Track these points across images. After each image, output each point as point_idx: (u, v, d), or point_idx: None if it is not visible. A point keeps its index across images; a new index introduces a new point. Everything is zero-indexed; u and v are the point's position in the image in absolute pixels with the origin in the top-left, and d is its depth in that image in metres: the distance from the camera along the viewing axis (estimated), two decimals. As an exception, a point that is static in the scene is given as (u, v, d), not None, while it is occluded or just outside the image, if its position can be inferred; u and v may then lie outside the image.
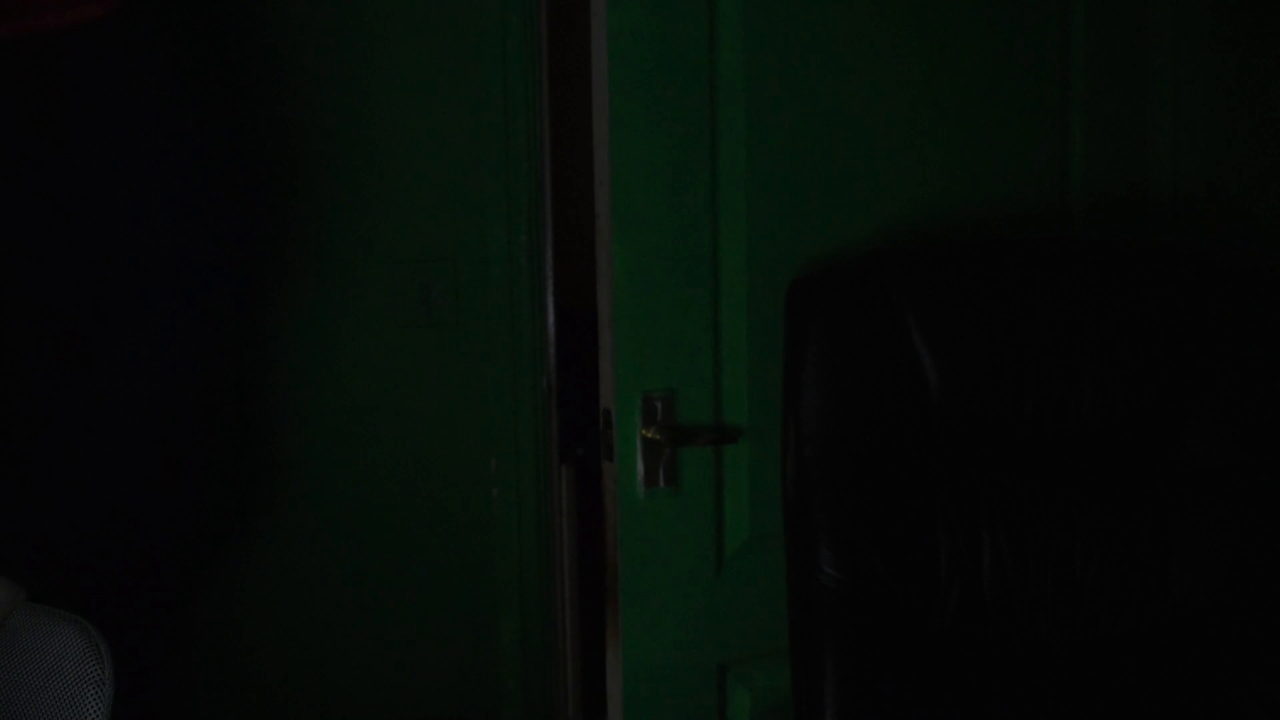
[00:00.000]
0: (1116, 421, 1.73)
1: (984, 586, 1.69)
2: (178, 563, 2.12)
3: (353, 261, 2.14)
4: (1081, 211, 2.09)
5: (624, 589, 1.82)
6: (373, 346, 2.16)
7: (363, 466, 2.17)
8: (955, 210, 1.99)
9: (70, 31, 1.75)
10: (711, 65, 1.80)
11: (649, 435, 1.79)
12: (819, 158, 1.89)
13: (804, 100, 1.87)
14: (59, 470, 1.95)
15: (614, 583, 1.84)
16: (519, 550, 2.22)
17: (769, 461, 1.84)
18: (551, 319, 2.22)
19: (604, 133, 1.77)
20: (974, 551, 1.69)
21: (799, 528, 1.69)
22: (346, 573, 2.18)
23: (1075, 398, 1.72)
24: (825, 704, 1.62)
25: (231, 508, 2.13)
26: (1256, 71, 2.17)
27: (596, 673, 2.29)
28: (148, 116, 1.84)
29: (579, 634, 2.41)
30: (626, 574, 1.81)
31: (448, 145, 2.14)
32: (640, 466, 1.80)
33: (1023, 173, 2.04)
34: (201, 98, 2.06)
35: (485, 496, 2.21)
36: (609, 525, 1.85)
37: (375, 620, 2.20)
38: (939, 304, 1.72)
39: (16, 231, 1.85)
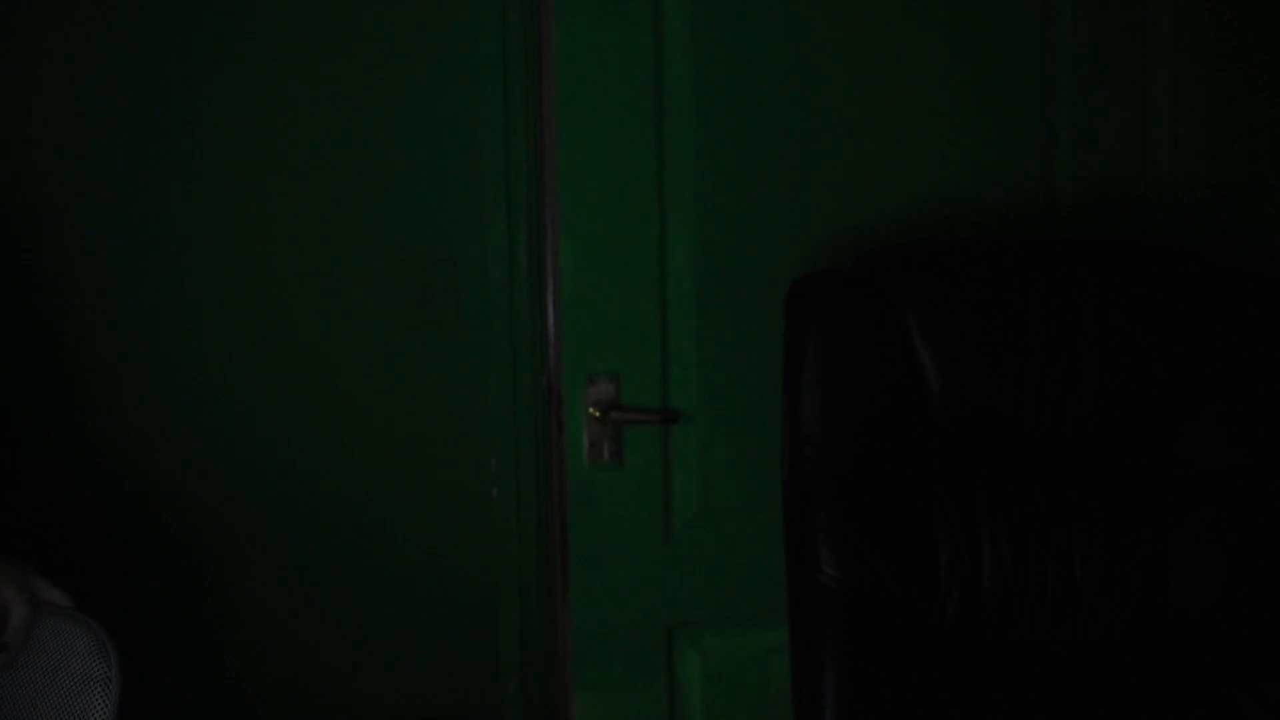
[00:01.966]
0: (1116, 422, 1.73)
1: (984, 586, 1.70)
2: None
3: (353, 261, 2.14)
4: (1070, 211, 2.09)
5: (572, 552, 1.98)
6: (373, 346, 2.16)
7: (362, 466, 2.17)
8: (928, 208, 2.02)
9: None
10: (658, 79, 1.93)
11: (592, 413, 1.94)
12: (774, 160, 1.98)
13: (756, 102, 1.97)
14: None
15: (563, 548, 2.01)
16: (519, 550, 2.22)
17: (719, 442, 2.00)
18: (551, 319, 2.22)
19: (553, 139, 1.94)
20: (974, 551, 1.70)
21: (798, 527, 1.70)
22: (345, 573, 2.18)
23: (1075, 398, 1.73)
24: (825, 703, 1.62)
25: (230, 507, 2.13)
26: (1260, 69, 2.17)
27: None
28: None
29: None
30: (574, 539, 1.98)
31: (447, 144, 2.14)
32: (585, 441, 1.95)
33: (1000, 172, 2.07)
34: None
35: (485, 496, 2.21)
36: (561, 494, 2.03)
37: (375, 621, 2.19)
38: (939, 304, 1.72)
39: None
